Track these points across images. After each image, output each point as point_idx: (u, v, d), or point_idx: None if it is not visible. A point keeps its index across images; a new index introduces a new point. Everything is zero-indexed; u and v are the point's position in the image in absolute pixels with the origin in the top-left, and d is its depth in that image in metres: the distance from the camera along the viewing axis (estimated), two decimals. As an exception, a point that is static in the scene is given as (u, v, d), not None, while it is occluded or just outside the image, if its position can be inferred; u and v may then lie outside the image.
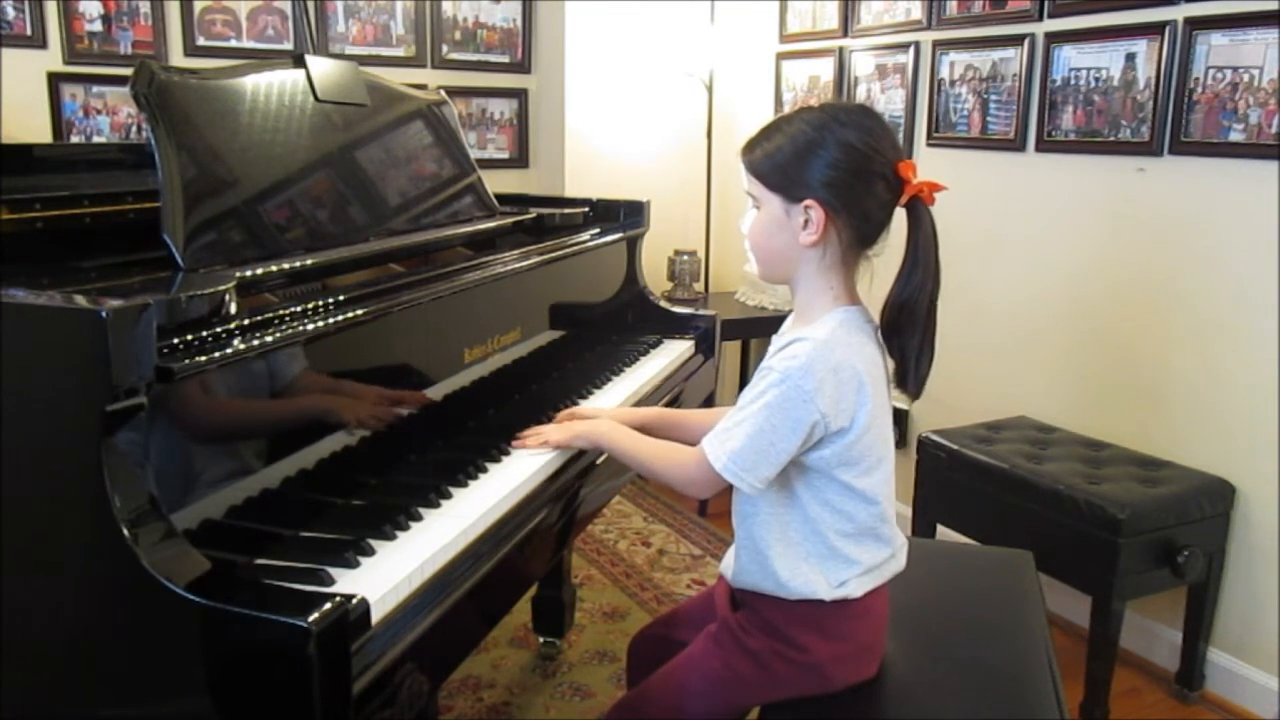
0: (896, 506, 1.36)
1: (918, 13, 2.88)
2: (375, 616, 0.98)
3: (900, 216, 1.26)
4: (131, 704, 0.96)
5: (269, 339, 1.10)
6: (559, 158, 3.55)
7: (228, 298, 1.07)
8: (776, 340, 1.33)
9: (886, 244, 1.28)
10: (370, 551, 1.08)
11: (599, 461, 1.51)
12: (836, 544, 1.28)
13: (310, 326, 1.17)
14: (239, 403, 1.12)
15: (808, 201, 1.22)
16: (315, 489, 1.18)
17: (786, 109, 3.45)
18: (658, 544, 3.02)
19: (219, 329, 1.05)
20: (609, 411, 1.58)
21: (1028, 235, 2.64)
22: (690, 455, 1.30)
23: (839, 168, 1.21)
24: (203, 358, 1.01)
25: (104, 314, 0.89)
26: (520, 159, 3.71)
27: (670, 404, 1.88)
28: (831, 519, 1.27)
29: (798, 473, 1.26)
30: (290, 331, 1.14)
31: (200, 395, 1.04)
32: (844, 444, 1.23)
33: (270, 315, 1.14)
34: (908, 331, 1.26)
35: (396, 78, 1.90)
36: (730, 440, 1.23)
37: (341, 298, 1.26)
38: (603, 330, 2.11)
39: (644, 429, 1.57)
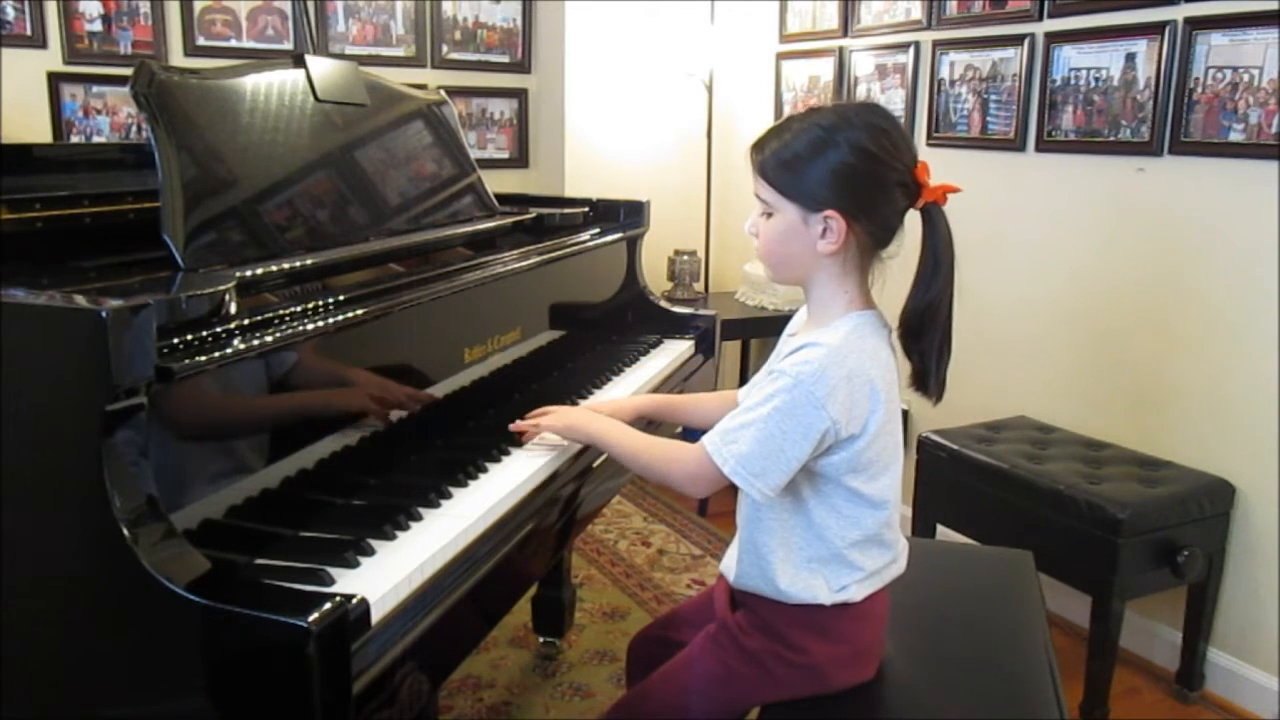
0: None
1: (918, 13, 2.88)
2: (375, 616, 0.98)
3: (912, 216, 1.25)
4: (131, 704, 0.96)
5: (269, 339, 1.10)
6: (559, 158, 3.55)
7: (228, 298, 1.07)
8: (786, 340, 1.32)
9: (901, 245, 1.26)
10: (370, 551, 1.08)
11: (598, 462, 1.51)
12: (841, 550, 1.27)
13: (310, 326, 1.17)
14: (239, 403, 1.12)
15: (828, 212, 1.20)
16: (315, 489, 1.18)
17: (786, 109, 3.45)
18: (658, 544, 3.02)
19: (219, 329, 1.05)
20: (609, 404, 1.57)
21: (1027, 235, 2.64)
22: (691, 453, 1.28)
23: (855, 173, 1.20)
24: (203, 357, 1.01)
25: (104, 314, 0.89)
26: (520, 159, 3.71)
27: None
28: (838, 525, 1.26)
29: (805, 478, 1.25)
30: (290, 331, 1.14)
31: (200, 395, 1.04)
32: (854, 450, 1.22)
33: (270, 315, 1.14)
34: (928, 336, 1.25)
35: (396, 78, 1.90)
36: (737, 443, 1.21)
37: (341, 298, 1.26)
38: (603, 330, 2.11)
39: (647, 417, 1.60)
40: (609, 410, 1.57)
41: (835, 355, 1.19)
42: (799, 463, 1.20)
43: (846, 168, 1.20)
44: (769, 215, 1.26)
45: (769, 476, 1.20)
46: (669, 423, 1.73)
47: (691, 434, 3.50)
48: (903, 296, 1.27)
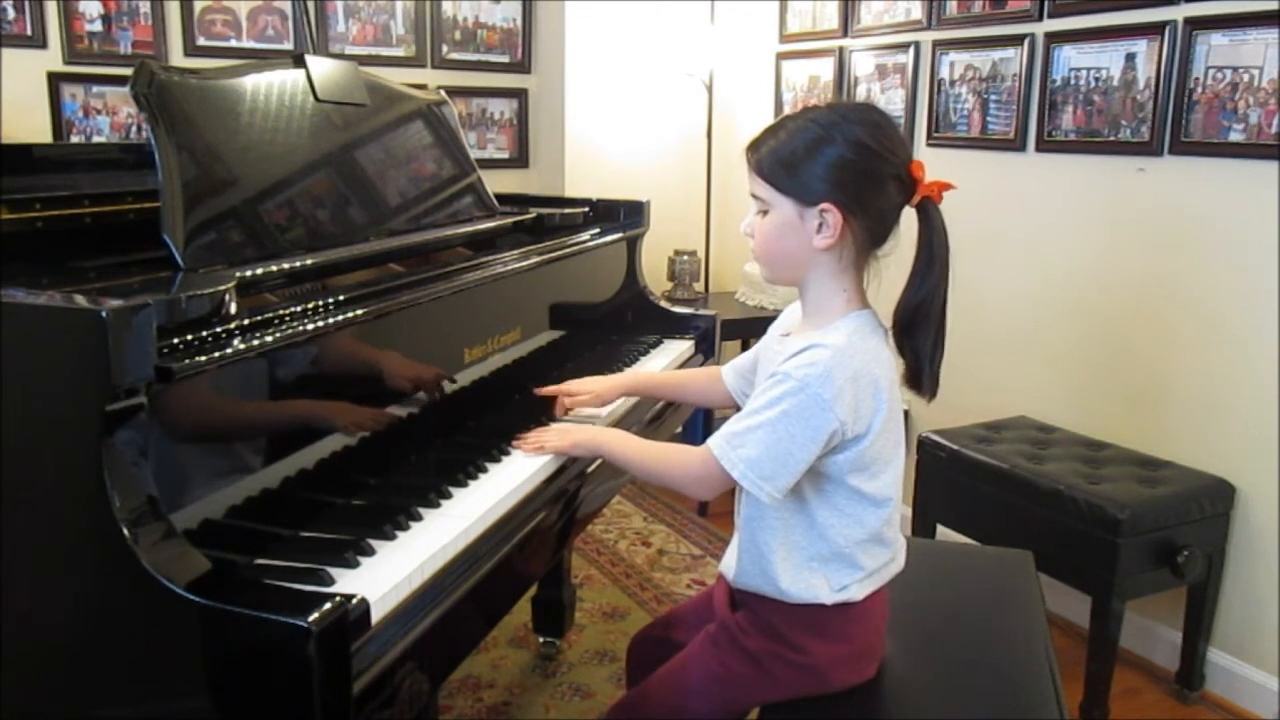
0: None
1: (918, 13, 2.88)
2: (375, 616, 0.98)
3: (908, 216, 1.25)
4: (131, 704, 0.96)
5: (269, 339, 1.10)
6: (559, 158, 3.55)
7: (228, 298, 1.07)
8: (782, 341, 1.31)
9: (897, 243, 1.26)
10: (370, 551, 1.08)
11: (597, 463, 1.51)
12: (844, 549, 1.27)
13: (310, 326, 1.17)
14: (239, 403, 1.11)
15: (824, 205, 1.20)
16: (315, 489, 1.18)
17: (786, 109, 3.45)
18: (658, 544, 3.02)
19: (219, 329, 1.05)
20: (591, 382, 1.62)
21: (1028, 235, 2.64)
22: (695, 456, 1.28)
23: (851, 168, 1.20)
24: (202, 358, 1.01)
25: (104, 314, 0.89)
26: (520, 159, 3.71)
27: (669, 404, 1.87)
28: (841, 524, 1.26)
29: (808, 478, 1.25)
30: (290, 331, 1.14)
31: (200, 395, 1.04)
32: (858, 450, 1.22)
33: (270, 315, 1.14)
34: (921, 333, 1.25)
35: (396, 78, 1.90)
36: (745, 447, 1.21)
37: (341, 298, 1.26)
38: (603, 330, 2.11)
39: (629, 393, 1.66)
40: (590, 388, 1.59)
41: (841, 356, 1.19)
42: (807, 464, 1.20)
43: (843, 161, 1.20)
44: (764, 213, 1.26)
45: (778, 480, 1.20)
46: (654, 400, 1.77)
47: (691, 436, 3.50)
48: (894, 296, 1.27)
